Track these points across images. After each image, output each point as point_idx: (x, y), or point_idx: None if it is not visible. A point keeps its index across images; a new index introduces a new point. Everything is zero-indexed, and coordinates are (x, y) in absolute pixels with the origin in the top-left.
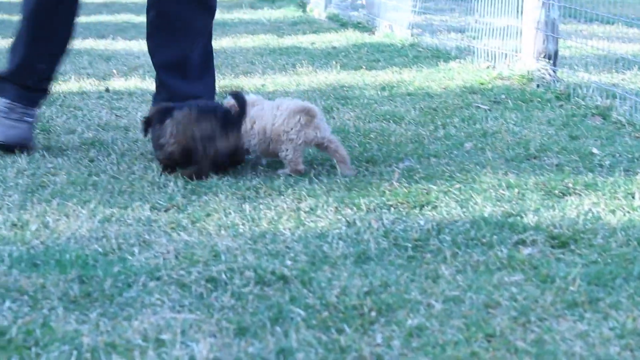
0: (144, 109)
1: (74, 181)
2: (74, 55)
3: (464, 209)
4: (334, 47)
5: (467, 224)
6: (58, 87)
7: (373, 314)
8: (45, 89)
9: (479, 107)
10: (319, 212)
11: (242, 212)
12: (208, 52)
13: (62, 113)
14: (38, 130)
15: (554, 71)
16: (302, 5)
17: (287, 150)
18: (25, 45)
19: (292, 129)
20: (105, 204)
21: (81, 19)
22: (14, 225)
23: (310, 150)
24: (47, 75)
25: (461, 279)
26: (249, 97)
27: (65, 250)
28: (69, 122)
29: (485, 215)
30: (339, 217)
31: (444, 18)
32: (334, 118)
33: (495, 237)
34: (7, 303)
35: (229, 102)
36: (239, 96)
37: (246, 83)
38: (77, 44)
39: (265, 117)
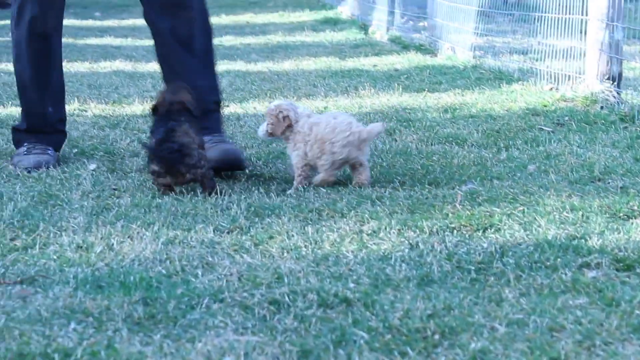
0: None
1: (137, 203)
2: (138, 78)
3: (528, 232)
4: (396, 70)
5: (531, 246)
6: (122, 109)
7: (436, 337)
8: (62, 131)
9: (542, 129)
10: (381, 234)
11: (305, 235)
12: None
13: (126, 136)
14: (102, 153)
15: (618, 93)
16: (364, 28)
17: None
18: (30, 96)
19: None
20: (168, 226)
21: (143, 42)
22: (79, 247)
23: (372, 174)
24: (58, 117)
25: (525, 302)
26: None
27: (129, 272)
28: (133, 144)
29: (549, 238)
30: (402, 239)
31: (506, 40)
32: (396, 140)
33: (559, 260)
34: (73, 324)
35: None
36: None
37: (309, 105)
38: (141, 67)
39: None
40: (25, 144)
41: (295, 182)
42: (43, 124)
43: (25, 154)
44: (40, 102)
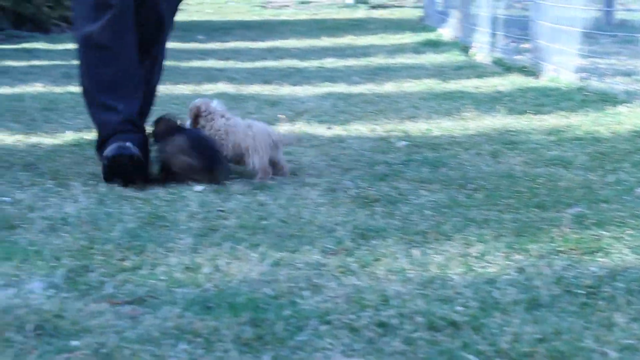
0: (310, 154)
1: (244, 225)
2: (241, 100)
3: (637, 256)
4: (499, 92)
5: None
6: None
7: None
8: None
9: None
10: (488, 257)
11: (410, 257)
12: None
13: None
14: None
15: None
16: (465, 50)
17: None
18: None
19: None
20: (275, 248)
21: (244, 65)
22: (187, 268)
23: (477, 196)
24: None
25: (636, 327)
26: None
27: (237, 293)
28: (236, 166)
29: None
30: (509, 262)
31: (611, 61)
32: (500, 162)
33: None
34: (182, 345)
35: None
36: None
37: (411, 127)
38: (244, 89)
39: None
40: None
41: None
42: None
43: None
44: None
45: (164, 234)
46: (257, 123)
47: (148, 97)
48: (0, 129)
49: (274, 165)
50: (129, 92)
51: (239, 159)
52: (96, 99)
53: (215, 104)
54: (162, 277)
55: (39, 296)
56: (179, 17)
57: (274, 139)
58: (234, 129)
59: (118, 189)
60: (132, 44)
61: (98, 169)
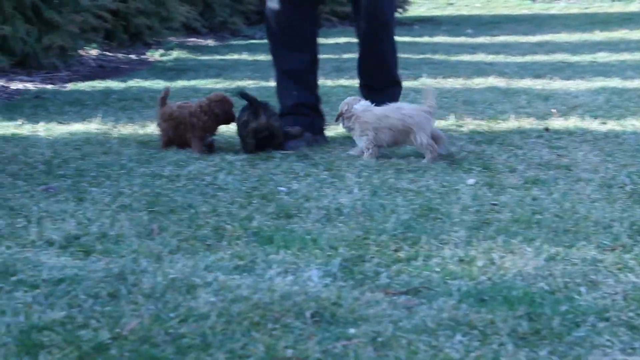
0: (585, 149)
1: (518, 219)
2: (512, 94)
3: None
4: None
5: None
6: (497, 125)
7: None
8: None
9: None
10: None
11: None
12: None
13: (503, 152)
14: (480, 168)
15: None
16: None
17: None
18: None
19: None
20: (549, 243)
21: (515, 59)
22: (461, 260)
23: None
24: None
25: None
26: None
27: (512, 287)
28: (510, 160)
29: None
30: None
31: None
32: None
33: None
34: (458, 336)
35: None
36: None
37: None
38: (514, 83)
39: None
40: None
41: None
42: None
43: None
44: None
45: (438, 226)
46: (405, 104)
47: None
48: None
49: (434, 139)
50: None
51: (398, 140)
52: None
53: (359, 104)
54: (436, 269)
55: (317, 284)
56: (448, 11)
57: (428, 112)
58: (384, 113)
59: (391, 180)
60: None
61: (371, 161)
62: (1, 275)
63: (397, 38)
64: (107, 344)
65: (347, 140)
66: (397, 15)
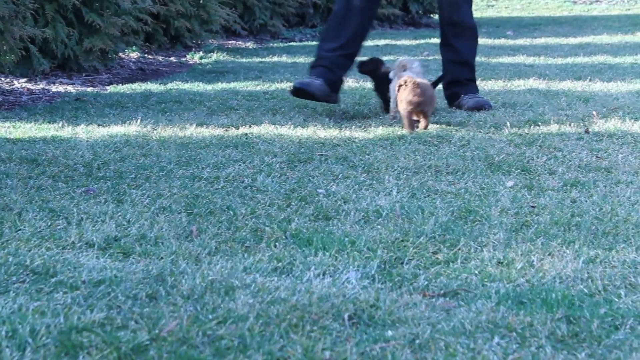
0: (625, 151)
1: (557, 221)
2: (552, 96)
3: None
4: None
5: None
6: (537, 128)
7: None
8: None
9: None
10: None
11: None
12: None
13: (542, 154)
14: (519, 170)
15: None
16: None
17: None
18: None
19: None
20: (589, 245)
21: (555, 61)
22: (500, 262)
23: None
24: None
25: None
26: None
27: (550, 289)
28: (549, 162)
29: None
30: None
31: None
32: None
33: None
34: (496, 339)
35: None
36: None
37: None
38: (554, 85)
39: None
40: None
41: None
42: None
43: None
44: None
45: (476, 229)
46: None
47: None
48: (315, 123)
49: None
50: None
51: None
52: None
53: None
54: (475, 271)
55: (355, 286)
56: (488, 13)
57: None
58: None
59: (429, 182)
60: None
61: (409, 163)
62: (41, 277)
63: (436, 41)
64: (145, 345)
65: (385, 143)
66: (435, 17)
